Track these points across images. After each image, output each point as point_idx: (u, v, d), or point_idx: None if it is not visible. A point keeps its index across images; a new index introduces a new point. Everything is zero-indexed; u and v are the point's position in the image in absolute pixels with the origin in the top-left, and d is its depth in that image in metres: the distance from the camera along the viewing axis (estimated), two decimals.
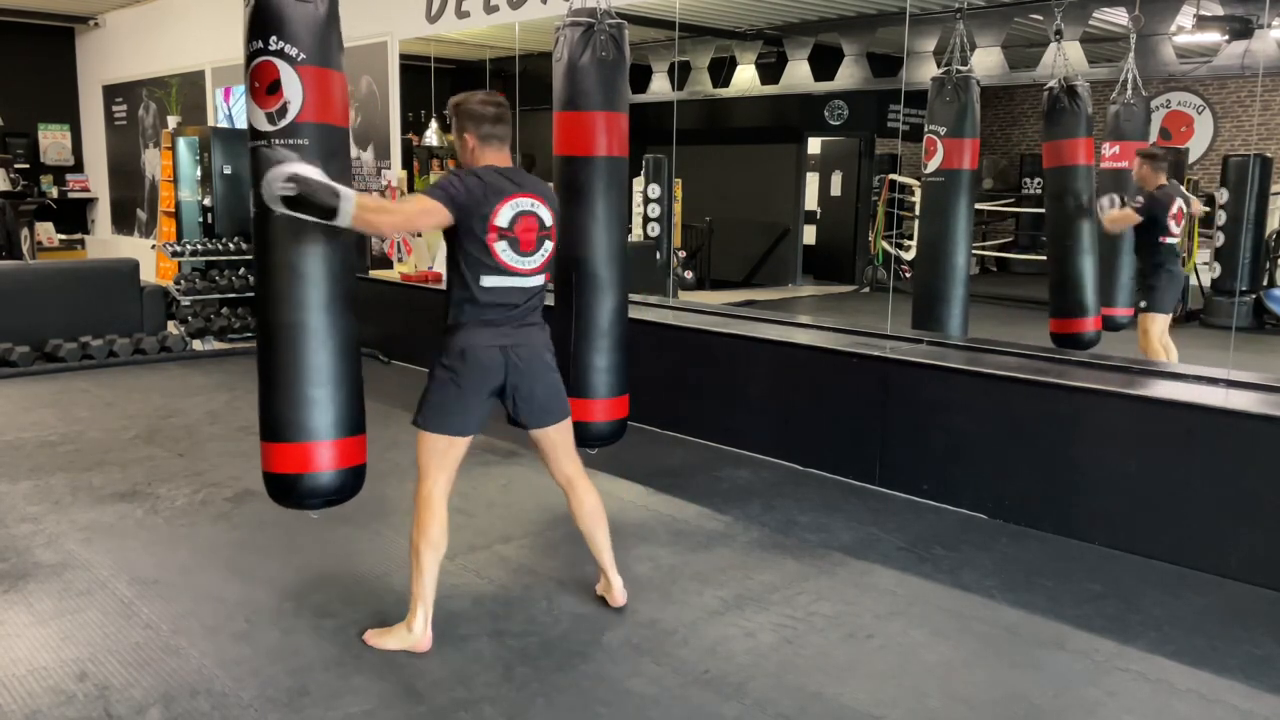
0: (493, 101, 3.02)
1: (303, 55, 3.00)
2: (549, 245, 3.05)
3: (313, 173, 2.80)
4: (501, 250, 2.94)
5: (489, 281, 2.95)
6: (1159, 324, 5.37)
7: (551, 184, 3.96)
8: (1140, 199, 5.26)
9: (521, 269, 2.99)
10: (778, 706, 2.71)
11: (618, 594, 3.30)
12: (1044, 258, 6.77)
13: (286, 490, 3.20)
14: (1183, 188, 5.56)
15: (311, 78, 3.03)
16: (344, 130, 3.21)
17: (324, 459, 3.14)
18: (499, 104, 3.03)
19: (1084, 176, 5.55)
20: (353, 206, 2.78)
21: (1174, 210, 5.27)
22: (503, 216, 2.92)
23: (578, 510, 3.27)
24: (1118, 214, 5.30)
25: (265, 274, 3.14)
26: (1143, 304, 5.46)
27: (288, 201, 2.79)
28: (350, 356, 3.20)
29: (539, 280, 3.06)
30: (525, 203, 2.97)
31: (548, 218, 3.04)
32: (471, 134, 2.99)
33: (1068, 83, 5.40)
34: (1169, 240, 5.32)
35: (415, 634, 3.00)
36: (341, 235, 3.08)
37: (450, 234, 2.96)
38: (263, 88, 3.02)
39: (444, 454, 3.01)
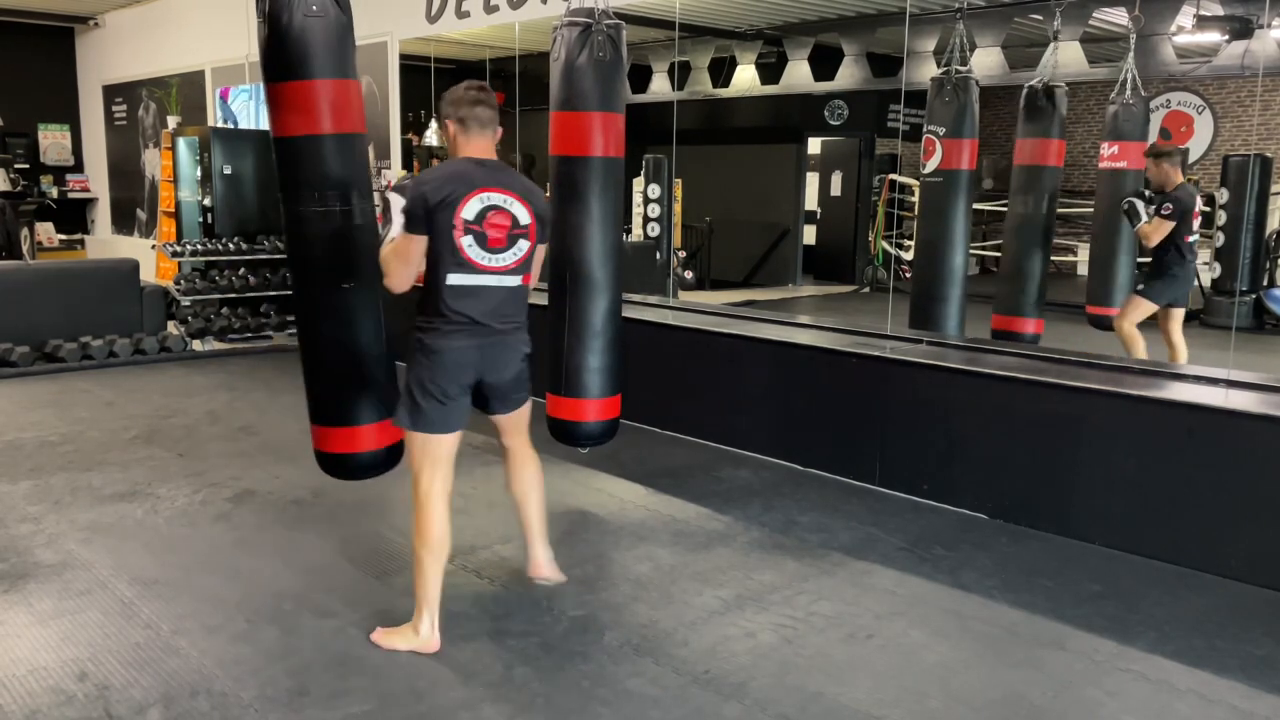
0: (475, 87, 2.98)
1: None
2: (524, 245, 2.94)
3: (394, 204, 2.86)
4: (467, 245, 2.84)
5: (455, 279, 2.86)
6: (1143, 310, 5.38)
7: (549, 184, 3.97)
8: (1169, 205, 5.20)
9: (491, 267, 2.88)
10: (778, 706, 2.72)
11: (543, 566, 3.28)
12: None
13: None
14: (1194, 187, 5.53)
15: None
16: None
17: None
18: (481, 88, 2.98)
19: (1050, 177, 5.63)
20: (382, 248, 2.91)
21: (1195, 210, 5.25)
22: (469, 209, 2.83)
23: (516, 473, 3.27)
24: (1151, 228, 5.23)
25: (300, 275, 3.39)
26: (1140, 287, 5.48)
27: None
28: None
29: (514, 281, 2.95)
30: (497, 197, 2.87)
31: (524, 216, 2.92)
32: (451, 120, 2.95)
33: (1048, 84, 5.43)
34: (1191, 239, 5.29)
35: (423, 636, 2.97)
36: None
37: None
38: None
39: (433, 452, 2.95)
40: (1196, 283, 6.77)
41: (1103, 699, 2.80)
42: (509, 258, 2.91)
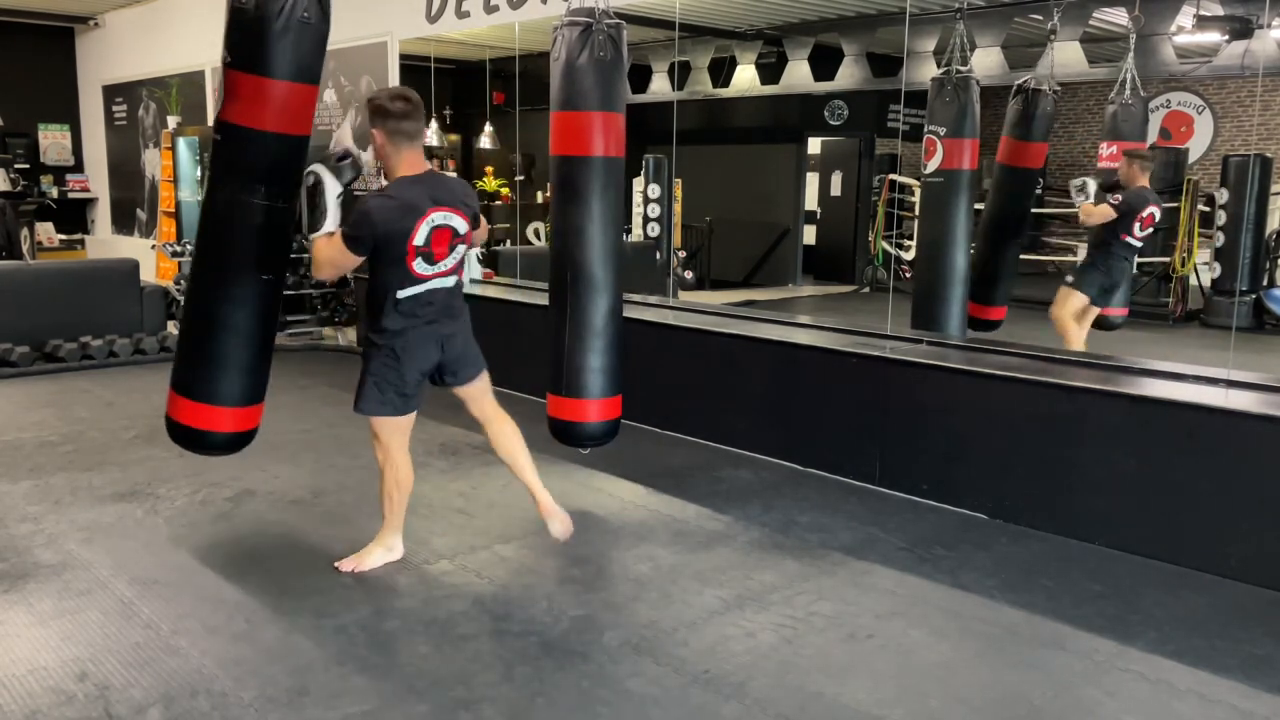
0: (401, 97, 3.08)
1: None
2: (461, 249, 3.23)
3: (329, 187, 3.06)
4: (417, 265, 3.13)
5: (405, 292, 3.16)
6: (1075, 301, 5.46)
7: (549, 184, 3.99)
8: (1118, 197, 5.31)
9: (433, 275, 3.18)
10: (778, 706, 2.72)
11: (547, 506, 3.59)
12: (1045, 258, 6.77)
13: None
14: (1155, 195, 5.59)
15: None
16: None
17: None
18: (407, 99, 3.08)
19: (1031, 180, 5.78)
20: (318, 237, 3.10)
21: (1144, 214, 5.33)
22: (420, 236, 3.06)
23: (498, 438, 3.55)
24: (1092, 208, 5.36)
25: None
26: (1069, 279, 5.56)
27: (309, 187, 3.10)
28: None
29: (453, 280, 3.28)
30: (439, 217, 3.09)
31: (462, 226, 3.18)
32: (379, 130, 3.07)
33: (1036, 85, 5.47)
34: (1128, 239, 5.39)
35: (396, 551, 3.52)
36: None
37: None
38: None
39: (401, 427, 3.38)
40: (1195, 282, 6.77)
41: (1103, 699, 2.80)
42: (449, 263, 3.21)
